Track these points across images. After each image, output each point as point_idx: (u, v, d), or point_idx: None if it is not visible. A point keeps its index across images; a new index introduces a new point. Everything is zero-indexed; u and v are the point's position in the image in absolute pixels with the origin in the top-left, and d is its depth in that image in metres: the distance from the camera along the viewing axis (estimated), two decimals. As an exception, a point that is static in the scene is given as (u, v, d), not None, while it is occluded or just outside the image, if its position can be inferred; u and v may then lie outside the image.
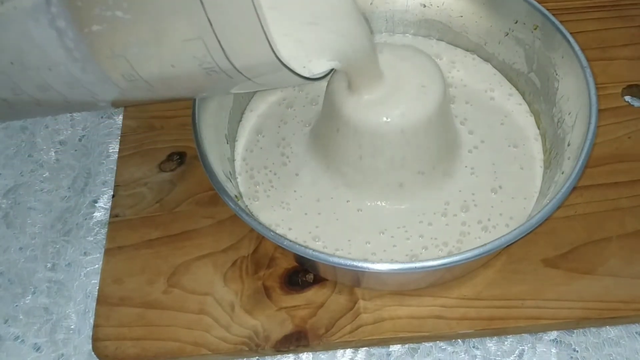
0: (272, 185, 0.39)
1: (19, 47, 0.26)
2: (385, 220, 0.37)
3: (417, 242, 0.36)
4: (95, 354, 0.36)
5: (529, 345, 0.37)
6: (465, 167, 0.39)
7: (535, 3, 0.39)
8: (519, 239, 0.31)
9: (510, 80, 0.43)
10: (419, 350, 0.37)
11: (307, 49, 0.28)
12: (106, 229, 0.40)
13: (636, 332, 0.37)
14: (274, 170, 0.40)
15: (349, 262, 0.31)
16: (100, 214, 0.43)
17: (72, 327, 0.38)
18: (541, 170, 0.39)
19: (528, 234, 0.31)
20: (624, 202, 0.40)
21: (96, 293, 0.38)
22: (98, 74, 0.26)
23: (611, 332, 0.37)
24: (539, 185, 0.39)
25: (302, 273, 0.38)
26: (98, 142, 0.46)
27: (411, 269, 0.31)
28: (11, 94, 0.28)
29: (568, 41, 0.37)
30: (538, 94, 0.41)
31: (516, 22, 0.41)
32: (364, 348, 0.37)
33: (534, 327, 0.36)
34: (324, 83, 0.37)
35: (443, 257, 0.31)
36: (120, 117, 0.46)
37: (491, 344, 0.37)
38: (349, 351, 0.37)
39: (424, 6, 0.44)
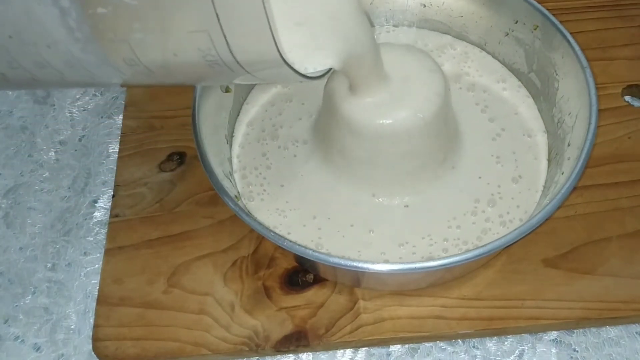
0: (267, 183, 0.39)
1: (19, 21, 0.25)
2: (385, 218, 0.37)
3: (439, 245, 0.36)
4: (95, 354, 0.36)
5: (529, 345, 0.37)
6: (492, 155, 0.39)
7: (535, 3, 0.39)
8: (519, 240, 0.31)
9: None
10: (419, 351, 0.37)
11: (308, 49, 0.28)
12: (106, 229, 0.40)
13: (636, 332, 0.37)
14: (271, 167, 0.39)
15: (349, 263, 0.31)
16: (100, 214, 0.43)
17: (72, 327, 0.38)
18: (546, 164, 0.39)
19: (528, 234, 0.31)
20: (624, 202, 0.40)
21: (96, 293, 0.38)
22: (98, 56, 0.26)
23: (611, 332, 0.37)
24: (544, 179, 0.38)
25: (302, 273, 0.38)
26: (98, 142, 0.46)
27: (411, 270, 0.31)
28: (8, 67, 0.28)
29: (568, 41, 0.37)
30: (538, 94, 0.41)
31: (516, 22, 0.41)
32: (364, 348, 0.37)
33: (534, 327, 0.36)
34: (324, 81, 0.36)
35: (443, 258, 0.31)
36: (120, 117, 0.46)
37: (491, 344, 0.37)
38: (349, 351, 0.37)
39: (424, 6, 0.44)
